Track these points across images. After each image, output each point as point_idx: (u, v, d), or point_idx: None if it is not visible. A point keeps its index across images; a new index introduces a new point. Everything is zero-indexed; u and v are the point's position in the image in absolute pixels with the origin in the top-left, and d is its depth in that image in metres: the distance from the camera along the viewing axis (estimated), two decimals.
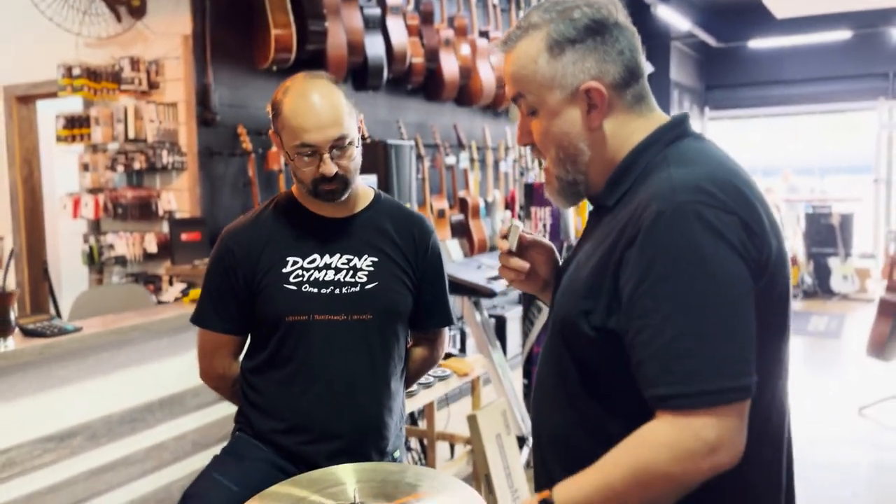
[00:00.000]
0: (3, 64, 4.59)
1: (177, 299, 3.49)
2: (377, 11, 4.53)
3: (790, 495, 1.16)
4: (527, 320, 3.90)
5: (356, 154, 1.69)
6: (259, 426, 1.74)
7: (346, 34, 4.25)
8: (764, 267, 1.02)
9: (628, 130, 1.13)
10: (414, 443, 3.53)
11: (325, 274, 1.70)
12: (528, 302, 3.91)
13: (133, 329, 2.74)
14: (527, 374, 3.91)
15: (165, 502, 2.85)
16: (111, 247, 3.93)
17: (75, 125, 4.00)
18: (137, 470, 2.78)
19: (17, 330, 2.40)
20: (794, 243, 9.31)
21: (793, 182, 10.71)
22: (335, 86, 1.68)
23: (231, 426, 1.87)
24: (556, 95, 1.12)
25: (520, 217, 4.59)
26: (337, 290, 1.70)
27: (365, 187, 1.83)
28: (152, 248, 3.87)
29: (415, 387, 2.85)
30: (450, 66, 5.20)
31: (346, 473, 1.45)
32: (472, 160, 5.63)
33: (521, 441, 3.61)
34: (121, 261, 3.94)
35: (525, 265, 1.33)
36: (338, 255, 1.72)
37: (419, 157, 4.93)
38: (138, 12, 3.88)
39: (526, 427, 3.88)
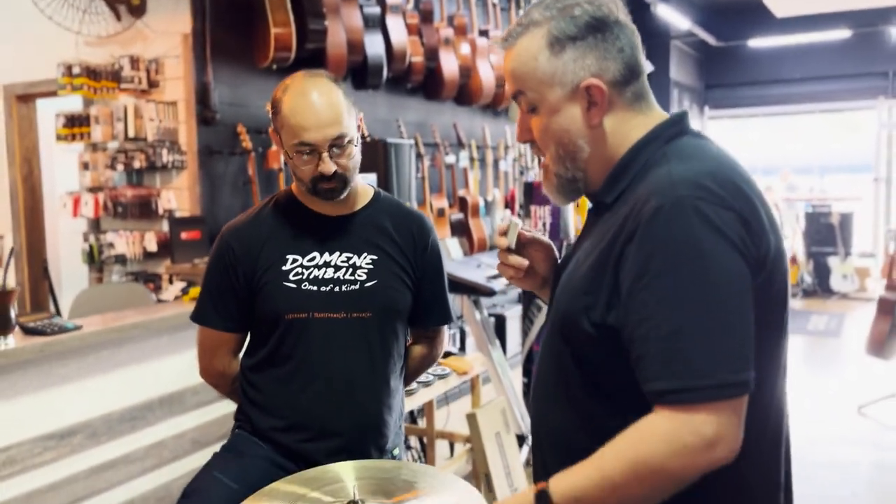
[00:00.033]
0: (2, 63, 4.59)
1: (177, 298, 3.49)
2: (377, 10, 4.53)
3: (788, 495, 1.16)
4: (526, 319, 3.90)
5: (355, 153, 1.69)
6: (259, 424, 1.75)
7: (346, 33, 4.25)
8: (762, 263, 1.02)
9: (628, 128, 1.13)
10: (414, 441, 3.54)
11: (325, 272, 1.70)
12: (527, 301, 3.91)
13: (133, 327, 2.74)
14: (526, 372, 3.91)
15: (165, 500, 2.85)
16: (111, 245, 3.93)
17: (75, 124, 4.00)
18: (137, 468, 2.79)
19: (17, 328, 2.40)
20: (793, 242, 9.31)
21: (792, 181, 10.72)
22: (335, 84, 1.68)
23: (230, 424, 1.87)
24: (556, 92, 1.12)
25: (519, 216, 4.59)
26: (336, 288, 1.70)
27: (364, 185, 1.83)
28: (152, 246, 3.88)
29: (414, 385, 2.86)
30: (449, 65, 5.20)
31: (346, 471, 1.45)
32: (471, 159, 5.64)
33: (521, 440, 3.61)
34: (121, 259, 3.94)
35: (524, 262, 1.33)
36: (337, 253, 1.72)
37: (419, 156, 4.94)
38: (138, 11, 3.89)
39: (525, 426, 3.88)
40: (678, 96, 9.28)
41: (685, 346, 0.96)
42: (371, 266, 1.73)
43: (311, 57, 4.06)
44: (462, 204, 5.41)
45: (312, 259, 1.71)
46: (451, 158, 5.38)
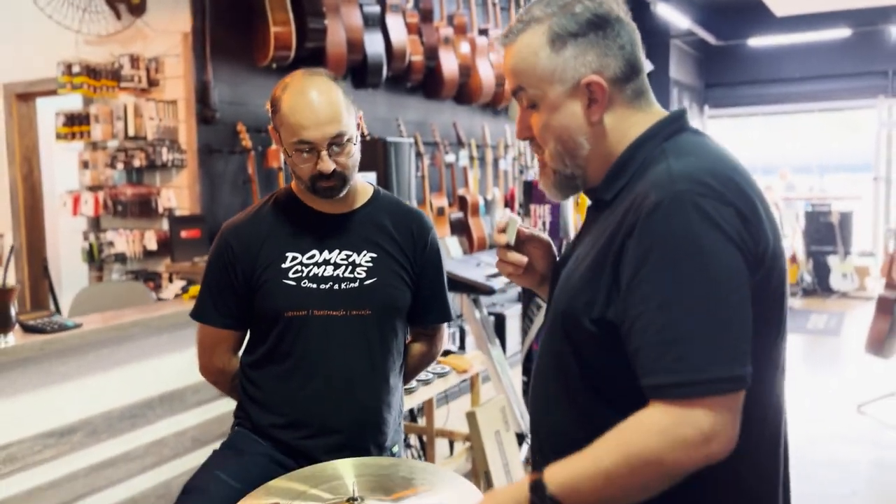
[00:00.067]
0: (2, 62, 4.60)
1: (176, 296, 3.50)
2: (377, 9, 4.53)
3: (787, 493, 1.16)
4: (526, 318, 3.90)
5: (354, 151, 1.69)
6: (258, 421, 1.75)
7: (346, 32, 4.26)
8: (761, 259, 1.02)
9: (627, 125, 1.13)
10: (413, 440, 3.54)
11: (324, 269, 1.71)
12: (527, 299, 3.91)
13: (133, 325, 2.75)
14: (526, 371, 3.91)
15: (165, 498, 2.85)
16: (111, 244, 3.94)
17: (75, 123, 4.00)
18: (137, 466, 2.79)
19: (17, 326, 2.41)
20: (793, 241, 9.31)
21: (790, 180, 10.72)
22: (334, 82, 1.68)
23: (231, 422, 1.87)
24: (556, 89, 1.12)
25: (519, 214, 4.60)
26: (336, 286, 1.70)
27: (364, 183, 1.84)
28: (152, 245, 3.88)
29: (414, 383, 2.86)
30: (449, 64, 5.20)
31: (345, 468, 1.46)
32: (471, 158, 5.64)
33: (521, 438, 3.61)
34: (121, 258, 3.94)
35: (523, 259, 1.33)
36: (337, 251, 1.73)
37: (419, 155, 4.94)
38: (138, 10, 3.89)
39: (525, 424, 3.89)
40: (678, 95, 9.28)
41: (683, 341, 0.96)
42: (370, 264, 1.74)
43: (311, 56, 4.06)
44: (462, 203, 5.42)
45: (312, 257, 1.72)
46: (450, 157, 5.38)
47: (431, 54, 5.05)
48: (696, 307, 0.97)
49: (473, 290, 3.79)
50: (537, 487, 1.01)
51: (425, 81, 5.15)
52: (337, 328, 1.70)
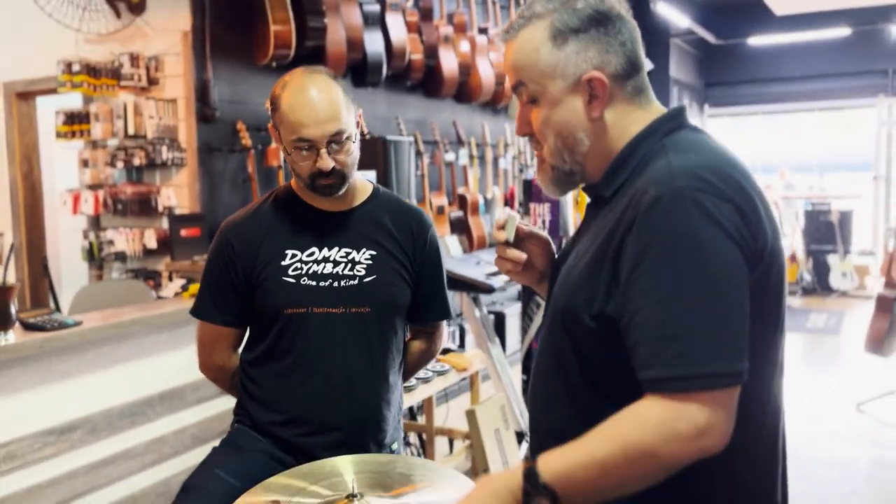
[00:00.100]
0: (2, 60, 4.60)
1: (176, 295, 3.50)
2: (376, 8, 4.54)
3: (784, 490, 1.16)
4: (526, 317, 3.90)
5: (354, 149, 1.70)
6: (258, 418, 1.75)
7: (346, 30, 4.26)
8: (760, 256, 1.02)
9: (628, 121, 1.14)
10: (413, 438, 3.54)
11: (324, 267, 1.71)
12: (527, 298, 3.91)
13: (133, 323, 2.75)
14: (526, 370, 3.92)
15: (165, 496, 2.86)
16: (111, 243, 3.94)
17: (75, 121, 4.01)
18: (137, 464, 2.79)
19: (17, 324, 2.41)
20: (793, 240, 9.32)
21: (789, 179, 10.72)
22: (334, 81, 1.68)
23: (230, 420, 1.88)
24: (557, 84, 1.12)
25: (519, 213, 4.60)
26: (335, 283, 1.71)
27: (363, 181, 1.84)
28: (152, 243, 3.88)
29: (413, 381, 2.87)
30: (449, 62, 5.21)
31: (344, 465, 1.46)
32: (471, 157, 5.64)
33: (520, 436, 3.62)
34: (120, 257, 3.95)
35: (522, 256, 1.34)
36: (336, 249, 1.73)
37: (418, 154, 4.94)
38: (138, 8, 3.89)
39: (524, 422, 3.89)
40: (678, 94, 9.28)
41: (681, 336, 0.97)
42: (370, 261, 1.74)
43: (311, 54, 4.07)
44: (461, 201, 5.42)
45: (311, 254, 1.72)
46: (450, 156, 5.38)
47: (431, 53, 5.05)
48: (695, 303, 0.97)
49: (473, 288, 3.79)
50: (530, 475, 1.01)
51: (425, 80, 5.15)
52: (336, 325, 1.70)
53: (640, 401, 0.99)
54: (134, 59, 3.86)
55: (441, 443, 3.73)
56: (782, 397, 1.15)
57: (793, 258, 9.08)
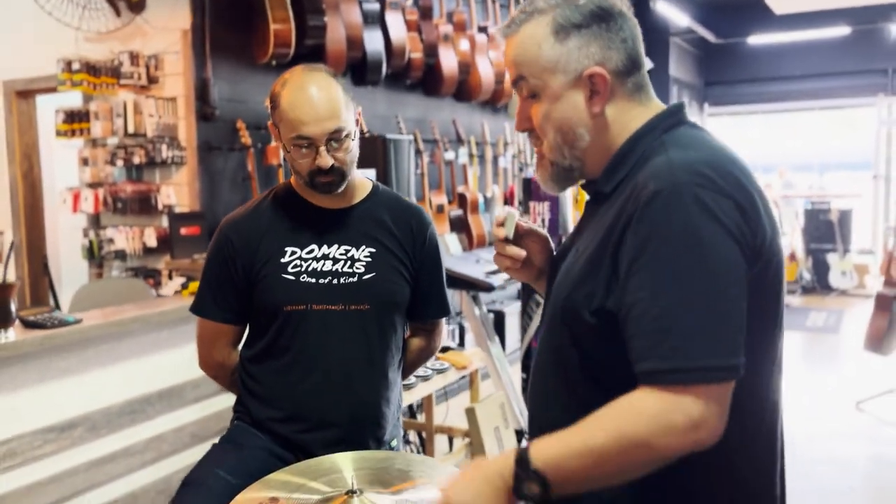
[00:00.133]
0: (2, 59, 4.60)
1: (176, 293, 3.51)
2: (376, 6, 4.54)
3: (782, 489, 1.17)
4: (525, 315, 3.91)
5: (353, 147, 1.70)
6: (257, 414, 1.76)
7: (345, 29, 4.26)
8: (758, 253, 1.02)
9: (628, 118, 1.14)
10: (413, 436, 3.55)
11: (323, 264, 1.72)
12: (526, 297, 3.92)
13: (133, 321, 2.75)
14: (525, 368, 3.92)
15: (165, 493, 2.86)
16: (111, 241, 3.94)
17: (75, 120, 4.01)
18: (137, 461, 2.80)
19: (17, 321, 2.42)
20: (792, 239, 9.32)
21: (788, 178, 10.71)
22: (333, 78, 1.69)
23: (229, 418, 1.88)
24: (558, 79, 1.13)
25: (518, 211, 4.60)
26: (335, 280, 1.71)
27: (363, 179, 1.84)
28: (152, 242, 3.89)
29: (413, 379, 2.87)
30: (449, 61, 5.21)
31: (344, 461, 1.47)
32: (470, 155, 5.64)
33: (520, 434, 3.62)
34: (120, 255, 3.95)
35: (521, 253, 1.33)
36: (336, 246, 1.74)
37: (418, 153, 4.94)
38: (137, 7, 3.89)
39: (524, 420, 3.90)
40: (677, 93, 9.28)
41: (677, 329, 0.97)
42: (369, 259, 1.74)
43: (311, 53, 4.07)
44: (461, 200, 5.42)
45: (311, 251, 1.73)
46: (450, 155, 5.38)
47: (431, 51, 5.05)
48: (692, 297, 0.97)
49: (473, 286, 3.79)
50: (522, 461, 1.01)
51: (425, 79, 5.15)
52: (336, 322, 1.70)
53: (635, 392, 0.99)
54: (134, 58, 3.86)
55: (441, 441, 3.73)
56: (780, 394, 1.15)
57: (792, 257, 9.09)
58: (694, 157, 1.05)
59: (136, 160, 3.87)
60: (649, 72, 1.20)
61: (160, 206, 3.89)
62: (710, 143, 1.11)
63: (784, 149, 11.81)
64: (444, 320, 1.97)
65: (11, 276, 2.49)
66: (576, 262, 1.13)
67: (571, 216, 3.81)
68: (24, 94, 4.72)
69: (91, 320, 2.63)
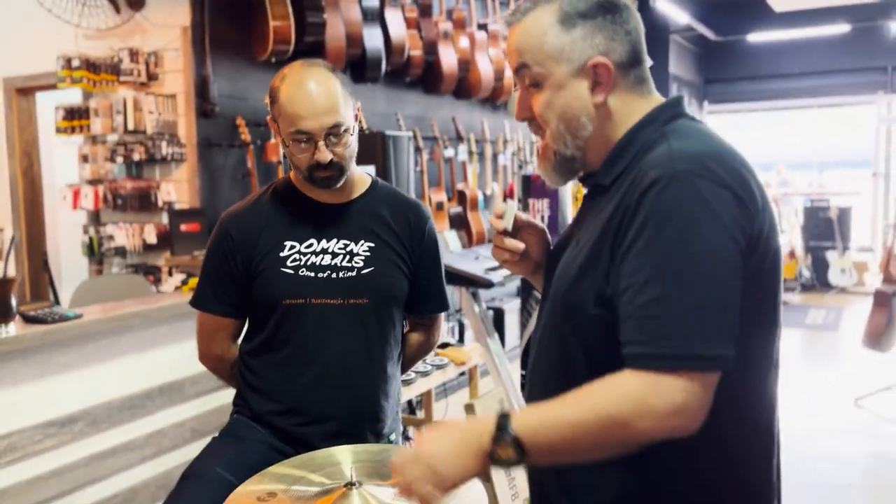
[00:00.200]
0: (2, 56, 4.60)
1: (176, 289, 3.51)
2: (376, 4, 4.54)
3: (778, 485, 1.17)
4: (525, 312, 3.91)
5: (352, 141, 1.71)
6: (257, 408, 1.76)
7: (345, 26, 4.26)
8: (755, 244, 1.03)
9: (630, 109, 1.14)
10: (412, 432, 3.55)
11: (322, 258, 1.72)
12: (526, 294, 3.92)
13: (133, 316, 2.76)
14: (524, 365, 3.93)
15: (165, 488, 2.87)
16: (111, 238, 3.95)
17: (75, 117, 4.01)
18: (137, 456, 2.81)
19: (18, 316, 2.42)
20: (791, 237, 9.33)
21: (785, 176, 10.72)
22: (332, 73, 1.69)
23: (229, 413, 1.89)
24: (562, 68, 1.13)
25: (518, 203, 4.60)
26: (333, 275, 1.72)
27: (362, 174, 1.85)
28: (152, 238, 3.89)
29: (412, 375, 2.88)
30: (448, 58, 5.21)
31: (343, 454, 1.47)
32: (470, 153, 5.65)
33: None
34: (120, 252, 3.96)
35: (520, 245, 1.34)
36: (335, 241, 1.74)
37: (418, 150, 4.95)
38: (137, 4, 3.90)
39: None
40: (677, 91, 9.28)
41: (664, 316, 0.97)
42: (368, 253, 1.75)
43: (310, 50, 4.07)
44: (461, 197, 5.43)
45: (310, 246, 1.73)
46: (449, 152, 5.39)
47: (430, 49, 5.06)
48: (684, 285, 0.98)
49: (472, 283, 3.80)
50: (502, 424, 1.02)
51: (424, 76, 5.15)
52: (334, 316, 1.71)
53: (621, 372, 1.00)
54: (133, 55, 3.87)
55: None
56: (777, 393, 1.15)
57: (792, 255, 9.09)
58: (695, 147, 1.05)
59: (136, 157, 3.88)
60: (649, 69, 1.20)
61: (160, 203, 3.90)
62: (710, 135, 1.11)
63: (783, 146, 11.82)
64: (442, 315, 1.97)
65: (12, 271, 2.49)
66: (576, 256, 1.13)
67: (571, 213, 3.81)
68: (24, 91, 4.73)
69: (91, 315, 2.64)
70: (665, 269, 0.99)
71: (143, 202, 3.90)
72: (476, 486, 1.35)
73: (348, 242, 1.75)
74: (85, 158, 4.08)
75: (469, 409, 3.25)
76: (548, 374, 1.18)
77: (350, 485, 1.31)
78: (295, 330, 1.71)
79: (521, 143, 6.46)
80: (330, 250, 1.73)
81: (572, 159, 1.18)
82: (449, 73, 5.22)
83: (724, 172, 1.02)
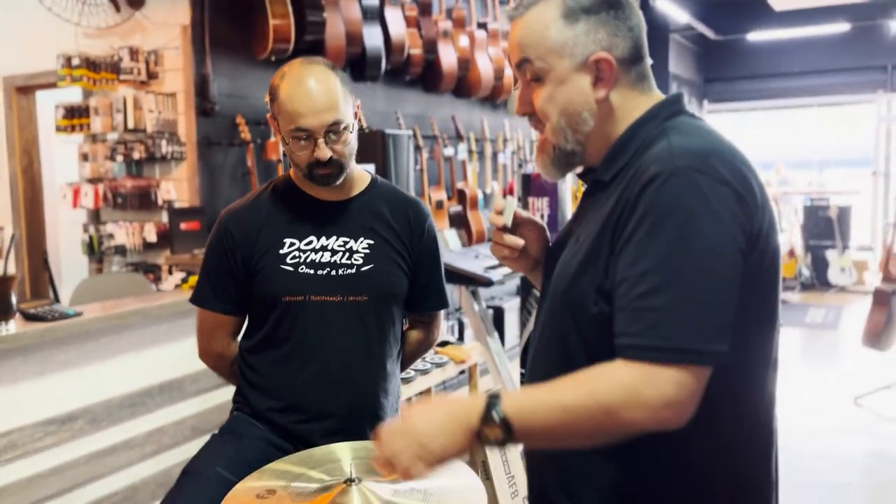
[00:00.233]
0: (2, 54, 4.61)
1: (176, 287, 3.52)
2: (375, 2, 4.54)
3: (776, 483, 1.17)
4: (524, 311, 3.91)
5: (351, 139, 1.71)
6: (256, 405, 1.77)
7: (345, 25, 4.27)
8: (755, 241, 1.03)
9: (631, 106, 1.15)
10: None
11: (322, 256, 1.73)
12: (525, 293, 3.92)
13: (133, 314, 2.76)
14: (524, 363, 3.93)
15: (165, 486, 2.87)
16: (111, 236, 3.96)
17: (75, 115, 4.02)
18: (137, 454, 2.81)
19: (18, 314, 2.42)
20: (791, 236, 9.33)
21: (785, 175, 10.72)
22: (332, 71, 1.69)
23: (229, 411, 1.89)
24: (565, 63, 1.13)
25: (518, 200, 4.60)
26: (333, 272, 1.72)
27: (361, 171, 1.85)
28: (152, 237, 3.90)
29: (412, 373, 2.88)
30: (448, 57, 5.21)
31: (342, 451, 1.48)
32: (470, 152, 5.65)
33: None
34: (120, 250, 3.96)
35: (519, 242, 1.34)
36: (334, 238, 1.75)
37: (417, 149, 4.95)
38: (137, 2, 3.90)
39: None
40: (677, 90, 9.27)
41: (658, 308, 0.98)
42: (368, 250, 1.75)
43: (310, 49, 4.08)
44: (461, 196, 5.43)
45: (310, 243, 1.74)
46: (449, 151, 5.39)
47: (430, 48, 5.06)
48: (680, 280, 0.98)
49: (472, 281, 3.80)
50: (491, 404, 1.02)
51: (424, 75, 5.16)
52: (334, 314, 1.71)
53: (613, 362, 1.00)
54: (133, 54, 3.87)
55: None
56: (776, 392, 1.16)
57: (791, 253, 9.10)
58: (695, 144, 1.06)
59: (136, 155, 3.88)
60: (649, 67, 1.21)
61: (160, 202, 3.90)
62: (710, 132, 1.12)
63: (783, 145, 11.82)
64: (442, 313, 1.98)
65: (12, 269, 2.50)
66: (576, 253, 1.13)
67: (570, 212, 3.81)
68: (24, 89, 4.73)
69: (91, 313, 2.64)
70: (663, 262, 0.99)
71: (143, 201, 3.90)
72: (476, 485, 1.35)
73: (348, 240, 1.75)
74: (85, 157, 4.08)
75: None
76: (547, 372, 1.18)
77: (350, 481, 1.32)
78: (295, 327, 1.71)
79: (520, 141, 6.46)
80: (329, 247, 1.73)
81: (572, 154, 1.18)
82: (449, 71, 5.22)
83: (725, 169, 1.02)
